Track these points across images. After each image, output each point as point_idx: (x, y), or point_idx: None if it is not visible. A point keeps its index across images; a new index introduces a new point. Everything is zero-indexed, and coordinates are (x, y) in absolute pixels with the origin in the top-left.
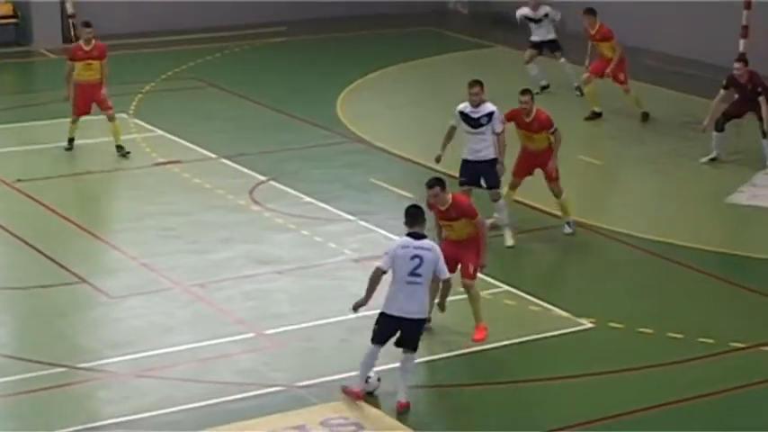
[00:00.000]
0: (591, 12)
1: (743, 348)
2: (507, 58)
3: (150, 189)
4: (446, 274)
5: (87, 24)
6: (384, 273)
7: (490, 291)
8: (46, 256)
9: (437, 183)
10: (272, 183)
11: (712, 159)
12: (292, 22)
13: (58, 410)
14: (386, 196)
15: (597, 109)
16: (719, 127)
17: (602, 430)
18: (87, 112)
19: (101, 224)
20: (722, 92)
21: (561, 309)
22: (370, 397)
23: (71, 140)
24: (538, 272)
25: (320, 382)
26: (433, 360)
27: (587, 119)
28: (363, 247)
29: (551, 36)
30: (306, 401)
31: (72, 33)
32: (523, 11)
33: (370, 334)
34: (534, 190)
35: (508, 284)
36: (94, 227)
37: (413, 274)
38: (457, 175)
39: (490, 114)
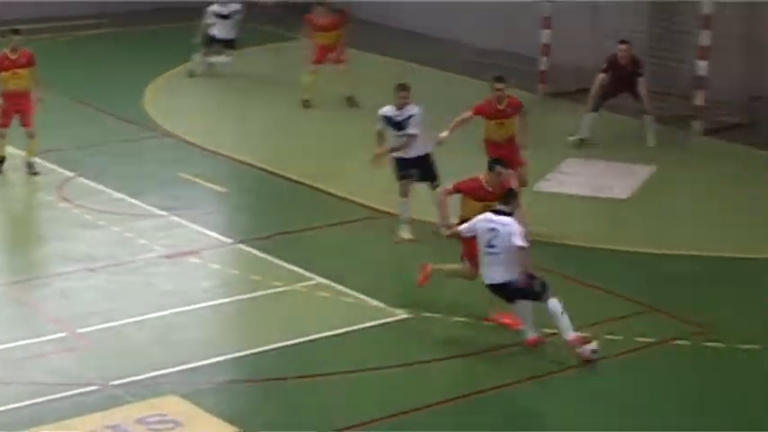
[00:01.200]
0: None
1: (556, 334)
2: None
3: None
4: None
5: (16, 32)
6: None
7: (304, 283)
8: None
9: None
10: (80, 179)
11: (581, 140)
12: (100, 15)
13: None
14: (197, 191)
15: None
16: (595, 107)
17: (423, 418)
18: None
19: None
20: (602, 75)
21: (377, 299)
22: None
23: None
24: (348, 263)
25: (136, 380)
26: (252, 354)
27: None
28: (175, 242)
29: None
30: (122, 400)
31: None
32: (214, 8)
33: (183, 330)
34: (345, 180)
35: (322, 276)
36: None
37: (489, 245)
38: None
39: (411, 117)
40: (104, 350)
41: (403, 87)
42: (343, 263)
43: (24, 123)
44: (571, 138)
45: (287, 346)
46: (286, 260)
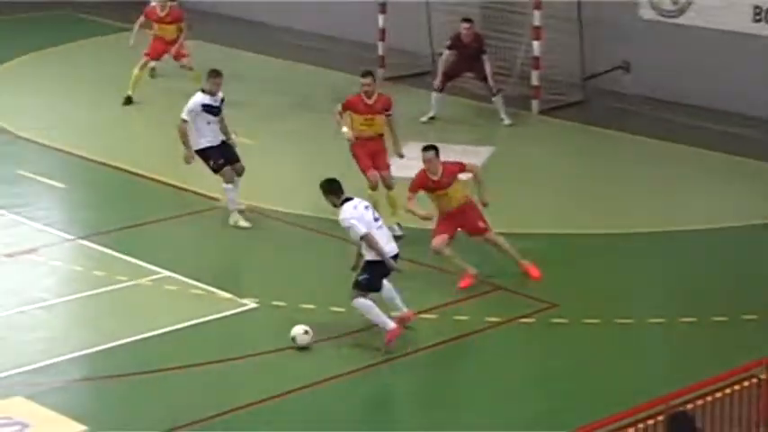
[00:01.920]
0: None
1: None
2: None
3: None
4: None
5: None
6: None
7: (150, 277)
8: None
9: (432, 147)
10: None
11: (431, 118)
12: None
13: None
14: (35, 187)
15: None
16: (439, 87)
17: (277, 407)
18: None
19: None
20: (447, 52)
21: (224, 291)
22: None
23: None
24: (192, 256)
25: None
26: (98, 351)
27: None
28: (15, 240)
29: None
30: None
31: None
32: None
33: (26, 330)
34: (185, 170)
35: (168, 270)
36: None
37: (376, 219)
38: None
39: (223, 99)
40: None
41: (217, 74)
42: (189, 255)
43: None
44: (423, 119)
45: (135, 341)
46: (130, 254)
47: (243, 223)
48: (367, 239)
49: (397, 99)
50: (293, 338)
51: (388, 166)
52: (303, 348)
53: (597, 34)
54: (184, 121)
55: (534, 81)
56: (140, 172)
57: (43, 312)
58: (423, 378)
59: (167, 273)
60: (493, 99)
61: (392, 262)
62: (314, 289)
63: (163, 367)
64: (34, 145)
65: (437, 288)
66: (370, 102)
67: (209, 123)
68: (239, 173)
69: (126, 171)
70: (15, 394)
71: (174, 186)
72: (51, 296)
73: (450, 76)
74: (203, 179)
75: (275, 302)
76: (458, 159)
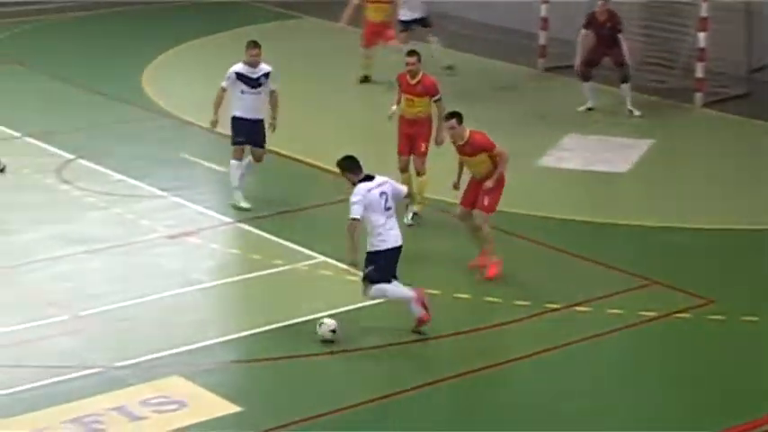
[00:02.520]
0: None
1: (557, 309)
2: (315, 29)
3: None
4: (404, 190)
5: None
6: (359, 221)
7: (305, 262)
8: None
9: (454, 115)
10: (80, 161)
11: (589, 109)
12: None
13: None
14: (197, 171)
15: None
16: (585, 77)
17: (424, 395)
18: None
19: None
20: (583, 31)
21: None
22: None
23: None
24: None
25: (139, 362)
26: (253, 334)
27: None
28: (177, 223)
29: (419, 14)
30: (125, 382)
31: None
32: None
33: (185, 311)
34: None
35: (324, 255)
36: None
37: (387, 208)
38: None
39: (267, 74)
40: (107, 332)
41: (254, 45)
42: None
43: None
44: (580, 108)
45: (288, 325)
46: (287, 239)
47: (243, 204)
48: (350, 226)
49: (555, 89)
50: (320, 324)
51: (423, 152)
52: (326, 341)
53: (764, 26)
54: (222, 88)
55: (699, 73)
56: (299, 157)
57: (202, 294)
58: (576, 371)
59: (323, 258)
60: (621, 86)
61: (350, 255)
62: (469, 279)
63: (315, 352)
64: (197, 129)
65: (594, 280)
66: (412, 82)
67: (242, 93)
68: (256, 158)
69: (285, 156)
70: (174, 374)
71: (332, 172)
72: (209, 278)
73: (591, 63)
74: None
75: (429, 290)
76: (618, 150)
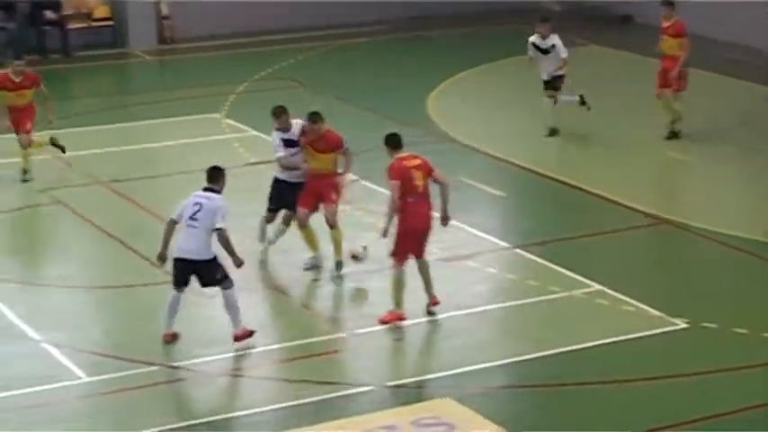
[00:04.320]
0: (668, 3)
1: None
2: (602, 56)
3: (243, 189)
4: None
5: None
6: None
7: (583, 290)
8: (139, 254)
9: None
10: (362, 182)
11: None
12: (383, 21)
13: (149, 409)
14: (474, 194)
15: (675, 123)
16: None
17: (701, 430)
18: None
19: None
20: None
21: (655, 309)
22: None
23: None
24: (629, 271)
25: (410, 382)
26: (526, 360)
27: (668, 138)
28: (452, 246)
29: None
30: (395, 401)
31: (167, 35)
32: (533, 38)
33: (458, 334)
34: (622, 186)
35: (601, 284)
36: None
37: (192, 218)
38: None
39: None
40: (379, 351)
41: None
42: (622, 270)
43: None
44: None
45: (561, 352)
46: (564, 266)
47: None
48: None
49: None
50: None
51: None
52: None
53: None
54: (279, 157)
55: None
56: (576, 184)
57: (476, 317)
58: None
59: (599, 287)
60: None
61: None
62: (747, 313)
63: (586, 381)
64: (478, 153)
65: None
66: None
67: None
68: (286, 221)
69: (562, 182)
70: (442, 395)
71: (608, 200)
72: (482, 302)
73: None
74: (638, 194)
75: (706, 324)
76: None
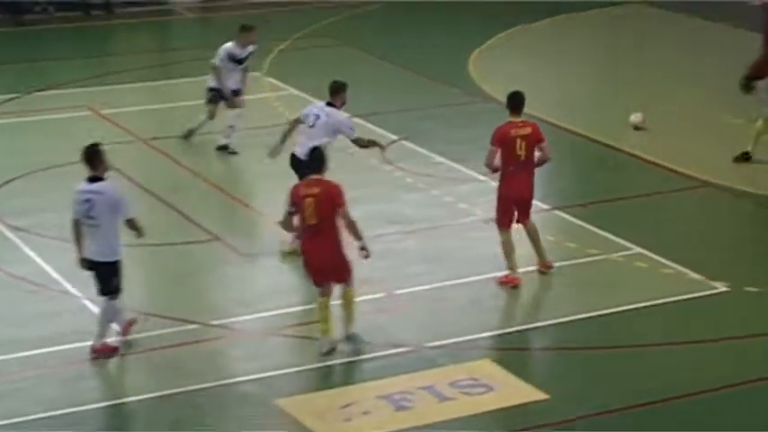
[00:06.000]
0: None
1: None
2: (652, 17)
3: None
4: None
5: None
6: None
7: (621, 253)
8: (180, 213)
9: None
10: (403, 142)
11: None
12: None
13: (190, 366)
14: None
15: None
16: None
17: (743, 394)
18: None
19: (234, 182)
20: None
21: (696, 272)
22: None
23: None
24: (669, 234)
25: (450, 343)
26: (563, 322)
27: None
28: (493, 207)
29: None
30: (434, 362)
31: None
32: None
33: (497, 296)
34: (666, 150)
35: (641, 246)
36: (228, 185)
37: (88, 216)
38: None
39: None
40: (419, 312)
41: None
42: (662, 233)
43: None
44: None
45: (600, 315)
46: (603, 228)
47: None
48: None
49: None
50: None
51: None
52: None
53: None
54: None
55: None
56: (620, 146)
57: None
58: None
59: (639, 249)
60: None
61: None
62: None
63: (625, 344)
64: None
65: None
66: None
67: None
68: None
69: (607, 145)
70: (483, 357)
71: (651, 162)
72: (521, 264)
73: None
74: (681, 158)
75: (747, 288)
76: None
